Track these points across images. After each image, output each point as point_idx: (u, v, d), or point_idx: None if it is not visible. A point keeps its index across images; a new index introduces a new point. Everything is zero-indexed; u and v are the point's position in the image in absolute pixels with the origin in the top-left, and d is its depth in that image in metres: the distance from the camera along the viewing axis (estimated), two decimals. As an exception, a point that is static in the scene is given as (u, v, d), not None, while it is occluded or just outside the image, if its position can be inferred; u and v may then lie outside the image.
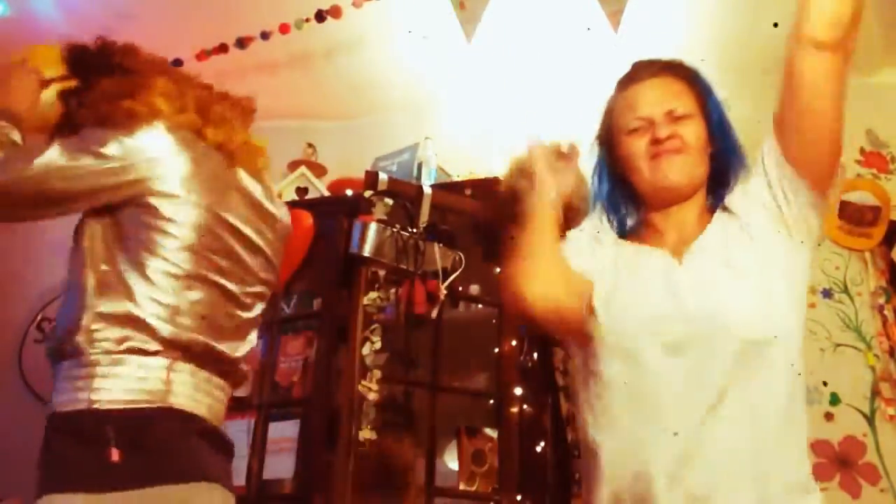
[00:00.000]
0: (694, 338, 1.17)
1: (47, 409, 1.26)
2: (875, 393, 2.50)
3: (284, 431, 2.26)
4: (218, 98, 1.52)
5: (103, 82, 1.41)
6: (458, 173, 2.76)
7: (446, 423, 2.26)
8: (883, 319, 2.58)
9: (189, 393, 1.29)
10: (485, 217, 2.43)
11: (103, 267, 1.29)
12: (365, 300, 2.20)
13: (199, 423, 1.29)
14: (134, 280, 1.27)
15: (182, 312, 1.29)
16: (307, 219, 2.48)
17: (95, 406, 1.20)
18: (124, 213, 1.32)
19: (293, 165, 3.02)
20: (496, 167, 2.48)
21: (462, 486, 2.21)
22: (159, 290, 1.28)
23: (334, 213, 2.42)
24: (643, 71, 1.42)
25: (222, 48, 2.88)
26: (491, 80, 3.18)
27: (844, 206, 2.72)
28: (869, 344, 2.56)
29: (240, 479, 2.25)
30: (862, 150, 2.80)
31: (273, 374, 2.39)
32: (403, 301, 2.20)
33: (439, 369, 2.26)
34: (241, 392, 2.43)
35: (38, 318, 3.25)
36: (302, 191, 2.84)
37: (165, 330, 1.26)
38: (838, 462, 2.42)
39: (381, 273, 2.23)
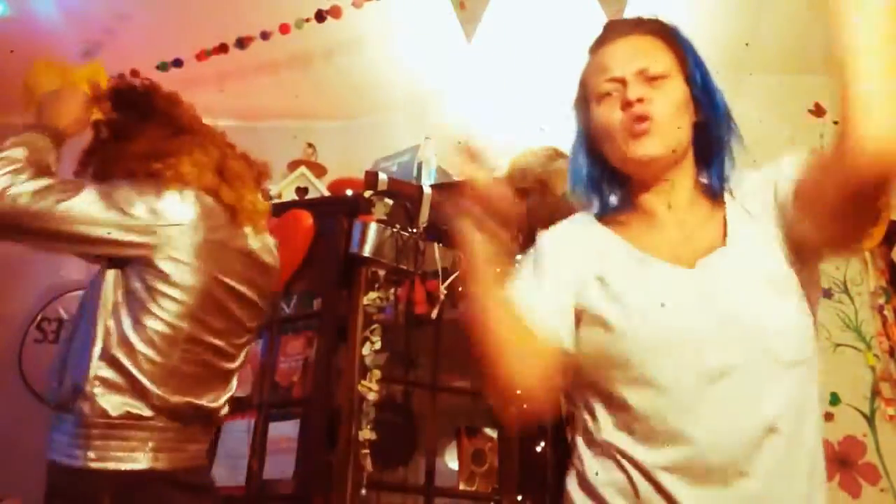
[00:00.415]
0: (735, 362, 0.99)
1: (48, 453, 1.33)
2: (875, 393, 2.50)
3: (284, 431, 2.26)
4: (236, 156, 1.58)
5: (138, 138, 1.48)
6: (458, 173, 2.75)
7: (446, 423, 2.26)
8: (883, 319, 2.58)
9: (173, 448, 1.35)
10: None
11: (110, 322, 1.35)
12: (365, 300, 2.20)
13: (182, 477, 1.36)
14: (136, 341, 1.33)
15: (174, 374, 1.36)
16: (307, 219, 2.48)
17: (91, 466, 1.28)
18: (133, 269, 1.38)
19: (293, 165, 3.01)
20: (496, 167, 2.48)
21: (462, 486, 2.21)
22: (157, 352, 1.34)
23: (334, 213, 2.42)
24: (614, 31, 1.26)
25: (222, 48, 2.88)
26: (491, 79, 3.18)
27: (844, 206, 2.72)
28: (869, 344, 2.56)
29: (240, 479, 2.26)
30: (862, 150, 2.80)
31: (273, 374, 2.39)
32: (403, 301, 2.20)
33: (439, 369, 2.26)
34: (241, 392, 2.43)
35: (38, 317, 3.25)
36: (302, 191, 2.84)
37: (158, 394, 1.33)
38: (838, 462, 2.42)
39: (381, 273, 2.23)
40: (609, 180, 1.24)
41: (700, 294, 1.04)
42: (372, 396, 2.08)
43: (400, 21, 2.88)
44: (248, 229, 1.52)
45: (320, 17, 2.75)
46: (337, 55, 3.08)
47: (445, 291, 2.23)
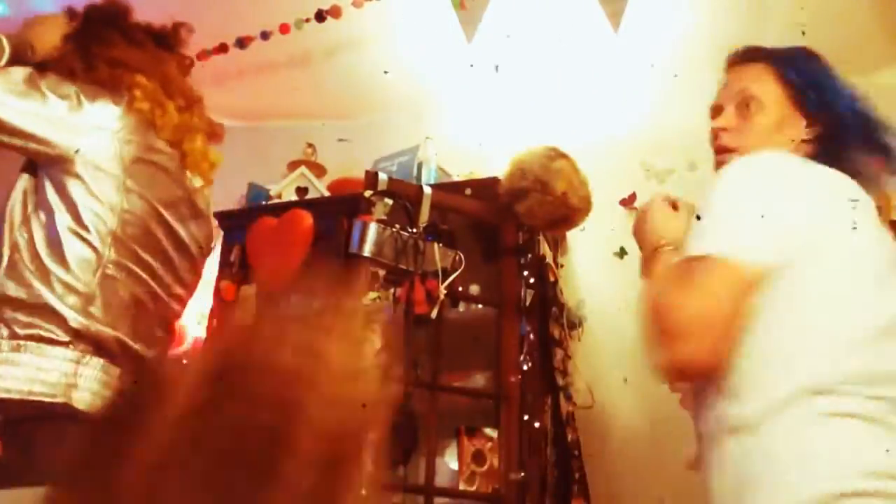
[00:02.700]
0: None
1: None
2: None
3: (284, 431, 2.26)
4: (195, 107, 1.49)
5: (116, 44, 1.41)
6: (458, 173, 2.76)
7: (446, 423, 2.26)
8: (883, 319, 2.58)
9: (96, 390, 1.18)
10: (485, 217, 2.43)
11: (19, 237, 1.21)
12: (365, 300, 2.20)
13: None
14: (49, 261, 1.19)
15: (96, 303, 1.21)
16: (307, 219, 2.48)
17: None
18: (50, 175, 1.24)
19: (293, 165, 3.01)
20: (496, 167, 2.49)
21: (462, 486, 2.21)
22: (75, 276, 1.20)
23: (334, 213, 2.42)
24: (729, 59, 1.44)
25: (222, 48, 2.88)
26: (491, 80, 3.18)
27: (844, 206, 2.72)
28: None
29: (240, 479, 2.25)
30: (862, 150, 2.80)
31: (273, 374, 2.39)
32: (403, 301, 2.20)
33: (439, 369, 2.26)
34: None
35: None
36: (302, 191, 2.84)
37: (76, 320, 1.18)
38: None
39: (381, 273, 2.23)
40: None
41: None
42: (372, 396, 2.08)
43: (400, 21, 2.88)
44: (190, 175, 1.42)
45: (320, 17, 2.75)
46: (337, 55, 3.08)
47: (445, 291, 2.22)
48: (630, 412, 2.59)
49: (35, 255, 1.20)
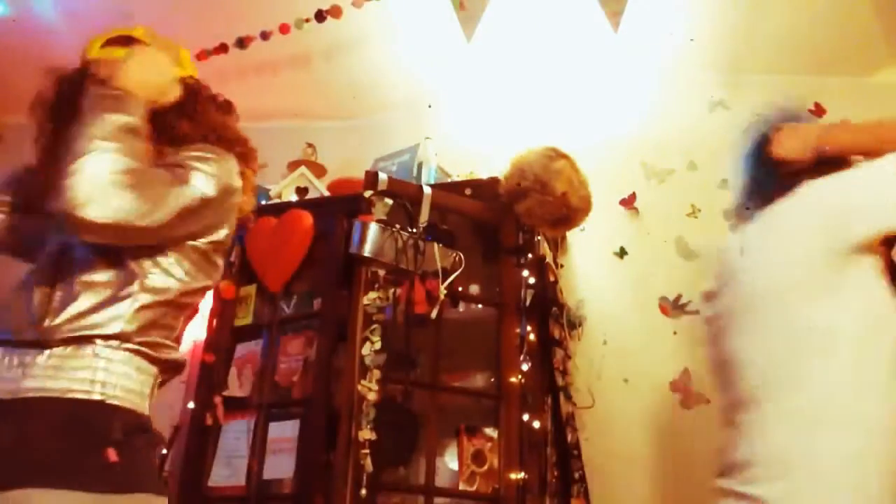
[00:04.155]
0: None
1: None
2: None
3: (284, 431, 2.26)
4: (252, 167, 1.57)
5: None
6: (458, 173, 2.76)
7: (446, 423, 2.26)
8: (883, 319, 2.58)
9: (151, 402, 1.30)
10: (485, 217, 2.43)
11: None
12: (365, 300, 2.20)
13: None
14: None
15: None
16: (307, 219, 2.48)
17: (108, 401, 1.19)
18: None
19: (293, 165, 3.01)
20: (496, 167, 2.49)
21: (462, 486, 2.21)
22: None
23: (334, 213, 2.42)
24: None
25: (222, 48, 2.88)
26: (491, 80, 3.18)
27: (844, 206, 2.72)
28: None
29: (240, 479, 2.26)
30: (862, 150, 2.80)
31: (273, 374, 2.39)
32: (403, 301, 2.20)
33: (439, 369, 2.26)
34: (242, 392, 2.43)
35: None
36: (302, 191, 2.84)
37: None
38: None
39: (381, 273, 2.23)
40: None
41: None
42: (372, 396, 2.08)
43: (400, 21, 2.88)
44: None
45: (320, 17, 2.75)
46: (337, 55, 3.08)
47: (445, 291, 2.23)
48: (630, 412, 2.59)
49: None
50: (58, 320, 1.20)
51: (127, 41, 1.44)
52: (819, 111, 2.84)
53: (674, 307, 2.70)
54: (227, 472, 2.31)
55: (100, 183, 1.15)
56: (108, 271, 1.25)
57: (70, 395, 1.16)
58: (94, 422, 1.16)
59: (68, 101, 1.36)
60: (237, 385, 2.45)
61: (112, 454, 1.14)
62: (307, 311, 2.46)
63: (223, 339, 2.53)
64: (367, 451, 2.02)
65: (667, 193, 2.87)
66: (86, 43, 1.48)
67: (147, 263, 1.27)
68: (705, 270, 1.83)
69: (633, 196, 2.89)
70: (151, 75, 1.35)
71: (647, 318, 2.70)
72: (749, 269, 1.59)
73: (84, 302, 1.22)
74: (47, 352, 1.19)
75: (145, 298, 1.25)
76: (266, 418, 2.31)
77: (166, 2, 2.77)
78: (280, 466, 2.21)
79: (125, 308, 1.23)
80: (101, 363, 1.19)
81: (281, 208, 2.61)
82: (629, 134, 2.98)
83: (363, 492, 1.98)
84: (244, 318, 2.55)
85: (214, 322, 2.56)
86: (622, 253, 2.83)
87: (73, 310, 1.21)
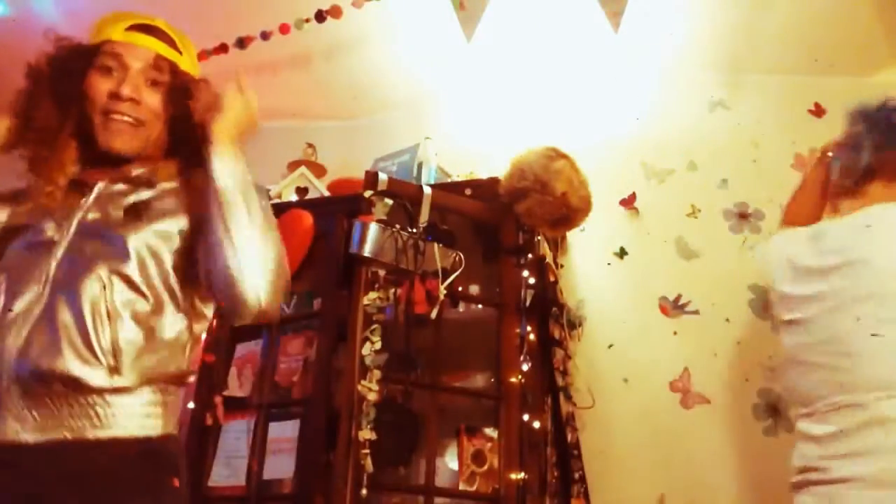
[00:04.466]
0: None
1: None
2: (875, 393, 2.50)
3: (284, 431, 2.26)
4: None
5: None
6: (458, 173, 2.76)
7: (446, 423, 2.26)
8: (883, 319, 2.58)
9: None
10: (485, 217, 2.43)
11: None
12: (365, 300, 2.20)
13: None
14: None
15: None
16: (307, 219, 2.48)
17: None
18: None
19: (293, 165, 3.02)
20: (496, 167, 2.49)
21: (462, 486, 2.21)
22: None
23: (334, 213, 2.41)
24: None
25: (222, 48, 2.88)
26: (491, 80, 3.18)
27: (844, 206, 2.72)
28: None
29: (240, 479, 2.26)
30: (862, 150, 2.80)
31: (273, 374, 2.39)
32: (403, 301, 2.20)
33: (439, 369, 2.26)
34: (242, 392, 2.43)
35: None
36: (302, 191, 2.84)
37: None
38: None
39: (381, 273, 2.23)
40: None
41: None
42: (372, 396, 2.08)
43: (400, 21, 2.88)
44: None
45: (320, 17, 2.75)
46: (337, 55, 3.08)
47: (445, 291, 2.22)
48: (630, 412, 2.59)
49: None
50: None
51: (148, 30, 1.42)
52: (819, 111, 2.84)
53: (674, 307, 2.70)
54: (227, 472, 2.31)
55: (275, 279, 1.23)
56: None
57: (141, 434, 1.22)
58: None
59: (71, 76, 1.36)
60: (237, 385, 2.45)
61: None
62: (307, 311, 2.46)
63: (223, 339, 2.53)
64: (367, 451, 2.02)
65: (667, 193, 2.87)
66: (100, 18, 1.44)
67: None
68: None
69: (633, 196, 2.89)
70: (247, 129, 1.35)
71: (647, 318, 2.70)
72: (883, 246, 1.58)
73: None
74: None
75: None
76: (266, 418, 2.31)
77: (166, 2, 2.77)
78: (280, 466, 2.21)
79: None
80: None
81: (281, 208, 2.61)
82: (629, 134, 2.98)
83: (363, 492, 1.98)
84: (244, 318, 2.55)
85: (214, 322, 2.56)
86: (622, 253, 2.83)
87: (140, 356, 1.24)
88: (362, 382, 2.09)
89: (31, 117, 1.37)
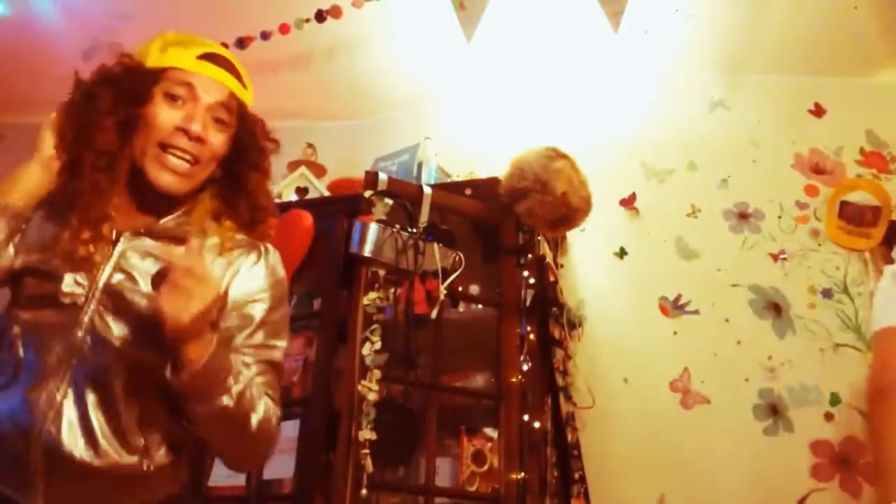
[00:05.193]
0: None
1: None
2: (875, 393, 2.50)
3: (284, 431, 2.23)
4: None
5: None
6: (458, 173, 2.76)
7: (446, 423, 2.26)
8: (883, 319, 2.58)
9: None
10: (485, 217, 2.43)
11: None
12: (365, 300, 2.20)
13: None
14: None
15: None
16: (307, 219, 2.48)
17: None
18: None
19: (293, 165, 3.01)
20: (496, 167, 2.49)
21: (462, 487, 2.21)
22: None
23: (334, 213, 2.41)
24: None
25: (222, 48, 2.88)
26: (491, 80, 3.18)
27: (844, 206, 2.72)
28: (869, 344, 2.55)
29: (240, 479, 2.25)
30: (862, 150, 2.80)
31: (273, 374, 2.39)
32: (403, 301, 2.20)
33: (439, 369, 2.26)
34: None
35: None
36: (302, 191, 2.84)
37: None
38: (839, 462, 2.42)
39: (381, 273, 2.23)
40: None
41: None
42: (372, 396, 2.08)
43: (400, 21, 2.88)
44: None
45: (320, 17, 2.75)
46: (337, 55, 3.08)
47: (445, 291, 2.22)
48: (630, 412, 2.59)
49: None
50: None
51: (215, 59, 1.32)
52: (819, 111, 2.84)
53: (674, 307, 2.70)
54: (226, 472, 2.30)
55: (261, 461, 1.44)
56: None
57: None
58: None
59: (136, 99, 1.21)
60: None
61: None
62: (307, 311, 2.46)
63: (223, 339, 2.52)
64: (367, 451, 2.02)
65: (667, 193, 2.87)
66: (158, 38, 1.29)
67: None
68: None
69: (633, 196, 2.89)
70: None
71: (647, 318, 2.71)
72: None
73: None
74: None
75: None
76: (266, 418, 2.30)
77: (166, 2, 2.77)
78: (280, 466, 2.20)
79: None
80: None
81: (281, 208, 2.61)
82: (629, 134, 2.98)
83: (363, 492, 1.98)
84: (244, 318, 2.54)
85: (214, 322, 2.56)
86: (622, 253, 2.83)
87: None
88: (362, 382, 2.09)
89: (91, 138, 1.18)
